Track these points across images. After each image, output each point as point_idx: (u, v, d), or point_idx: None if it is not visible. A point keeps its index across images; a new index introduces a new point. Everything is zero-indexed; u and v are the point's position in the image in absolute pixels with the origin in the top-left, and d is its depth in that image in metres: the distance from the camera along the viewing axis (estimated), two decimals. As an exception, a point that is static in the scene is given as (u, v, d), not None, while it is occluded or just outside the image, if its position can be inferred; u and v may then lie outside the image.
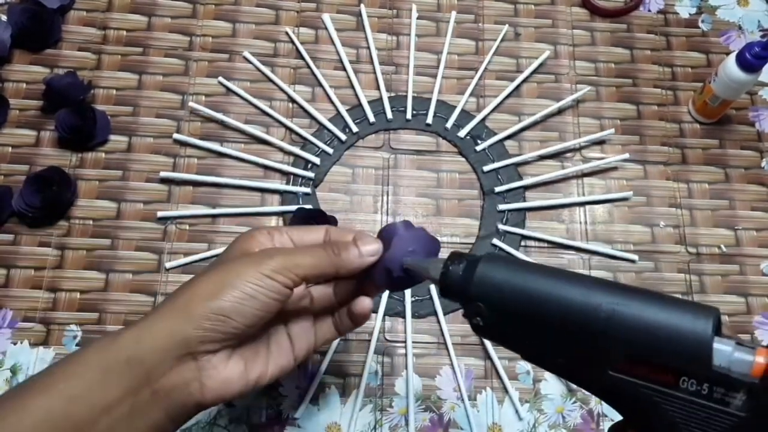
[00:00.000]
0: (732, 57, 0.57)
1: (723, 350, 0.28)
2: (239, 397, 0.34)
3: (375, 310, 0.54)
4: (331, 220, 0.55)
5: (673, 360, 0.28)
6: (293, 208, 0.56)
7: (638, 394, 0.29)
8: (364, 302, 0.39)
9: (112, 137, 0.59)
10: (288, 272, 0.35)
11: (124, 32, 0.63)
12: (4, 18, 0.61)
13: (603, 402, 0.49)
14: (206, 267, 0.38)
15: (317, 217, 0.54)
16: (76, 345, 0.52)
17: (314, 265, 0.36)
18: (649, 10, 0.69)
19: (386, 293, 0.55)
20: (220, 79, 0.62)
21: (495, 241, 0.58)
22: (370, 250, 0.38)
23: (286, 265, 0.35)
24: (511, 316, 0.33)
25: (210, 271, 0.36)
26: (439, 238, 0.57)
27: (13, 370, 0.51)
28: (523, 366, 0.54)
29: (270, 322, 0.37)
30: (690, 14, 0.69)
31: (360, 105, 0.62)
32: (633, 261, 0.58)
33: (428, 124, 0.62)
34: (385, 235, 0.38)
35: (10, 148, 0.58)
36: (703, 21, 0.69)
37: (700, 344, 0.28)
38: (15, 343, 0.52)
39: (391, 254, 0.37)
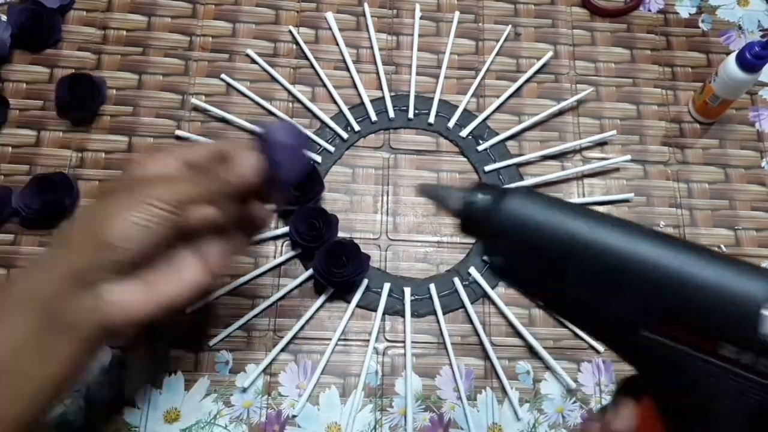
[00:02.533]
0: (732, 57, 0.57)
1: None
2: (151, 319, 0.36)
3: (374, 309, 0.55)
4: (332, 219, 0.55)
5: (714, 323, 0.25)
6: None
7: (671, 358, 0.26)
8: (261, 209, 0.41)
9: (113, 137, 0.59)
10: (170, 199, 0.35)
11: (124, 32, 0.63)
12: (4, 18, 0.61)
13: (602, 392, 0.49)
14: (92, 199, 0.38)
15: (318, 215, 0.54)
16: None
17: (197, 192, 0.37)
18: (649, 10, 0.69)
19: (385, 294, 0.55)
20: (223, 76, 0.62)
21: (495, 241, 0.58)
22: (249, 166, 0.38)
23: (167, 193, 0.35)
24: (538, 259, 0.29)
25: (94, 203, 0.37)
26: (438, 238, 0.58)
27: None
28: (523, 366, 0.54)
29: (175, 241, 0.38)
30: (690, 14, 0.69)
31: (362, 104, 0.62)
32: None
33: (430, 124, 0.62)
34: (265, 140, 0.39)
35: (10, 148, 0.58)
36: (703, 21, 0.69)
37: (748, 307, 0.25)
38: (15, 343, 0.52)
39: (273, 162, 0.39)
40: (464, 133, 0.61)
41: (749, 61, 0.55)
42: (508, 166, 0.60)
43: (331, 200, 0.58)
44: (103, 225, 0.34)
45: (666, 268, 0.26)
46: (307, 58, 0.63)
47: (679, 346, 0.26)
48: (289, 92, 0.62)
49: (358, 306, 0.55)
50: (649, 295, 0.26)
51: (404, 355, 0.54)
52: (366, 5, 0.66)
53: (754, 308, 0.24)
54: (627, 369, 0.29)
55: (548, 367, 0.54)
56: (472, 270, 0.57)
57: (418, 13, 0.66)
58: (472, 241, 0.58)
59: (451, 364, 0.53)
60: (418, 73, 0.64)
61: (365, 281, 0.55)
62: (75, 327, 0.34)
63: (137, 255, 0.35)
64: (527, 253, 0.29)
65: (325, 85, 0.62)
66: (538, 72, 0.65)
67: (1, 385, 0.33)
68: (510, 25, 0.66)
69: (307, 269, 0.55)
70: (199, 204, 0.37)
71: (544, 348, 0.54)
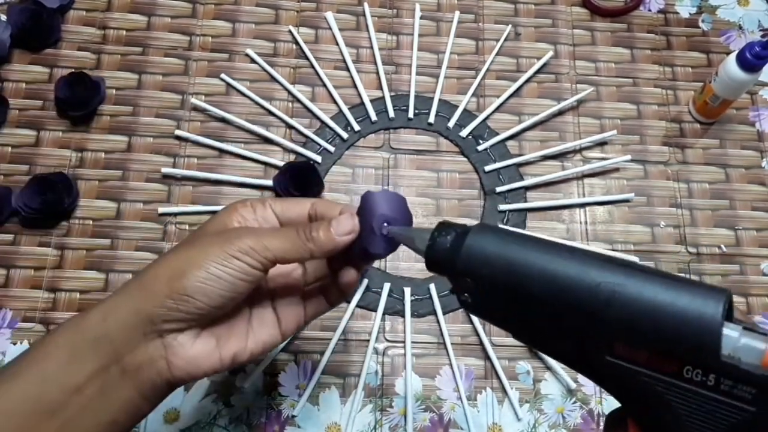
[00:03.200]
0: (732, 57, 0.57)
1: (729, 336, 0.25)
2: (213, 374, 0.36)
3: (374, 309, 0.54)
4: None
5: (677, 348, 0.25)
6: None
7: (639, 383, 0.27)
8: (349, 274, 0.38)
9: (112, 137, 0.59)
10: (256, 254, 0.34)
11: (124, 32, 0.63)
12: (4, 18, 0.61)
13: (603, 392, 0.49)
14: (181, 240, 0.38)
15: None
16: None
17: (284, 249, 0.35)
18: (650, 10, 0.69)
19: (385, 294, 0.55)
20: (223, 75, 0.62)
21: (495, 241, 0.57)
22: (344, 229, 0.36)
23: (254, 247, 0.34)
24: (501, 293, 0.30)
25: (180, 247, 0.36)
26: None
27: None
28: (523, 366, 0.54)
29: (254, 297, 0.37)
30: (690, 14, 0.69)
31: (362, 104, 0.62)
32: (633, 261, 0.58)
33: (430, 124, 0.62)
34: (364, 204, 0.36)
35: (10, 148, 0.58)
36: (703, 21, 0.68)
37: (707, 331, 0.25)
38: (15, 344, 0.52)
39: (366, 228, 0.36)
40: (464, 132, 0.61)
41: (749, 61, 0.55)
42: (508, 166, 0.60)
43: (332, 200, 0.58)
44: (183, 273, 0.33)
45: (622, 294, 0.26)
46: (307, 58, 0.63)
47: (644, 370, 0.26)
48: (289, 92, 0.62)
49: (358, 306, 0.55)
50: (609, 322, 0.27)
51: (404, 355, 0.54)
52: (366, 5, 0.66)
53: (714, 329, 0.25)
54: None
55: (548, 367, 0.54)
56: (472, 270, 0.56)
57: (418, 13, 0.66)
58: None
59: (451, 364, 0.53)
60: (418, 73, 0.63)
61: (365, 281, 0.55)
62: (138, 373, 0.34)
63: (212, 310, 0.34)
64: (491, 287, 0.30)
65: (325, 85, 0.62)
66: (538, 72, 0.65)
67: (56, 421, 0.32)
68: (510, 25, 0.66)
69: (307, 269, 0.55)
70: (286, 262, 0.36)
71: (544, 348, 0.54)
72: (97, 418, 0.33)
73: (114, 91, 0.61)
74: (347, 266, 0.38)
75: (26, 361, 0.34)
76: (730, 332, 0.25)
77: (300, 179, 0.56)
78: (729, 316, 0.26)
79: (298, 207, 0.39)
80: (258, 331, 0.38)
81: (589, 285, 0.27)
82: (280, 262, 0.35)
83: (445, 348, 0.54)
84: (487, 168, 0.60)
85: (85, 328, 0.34)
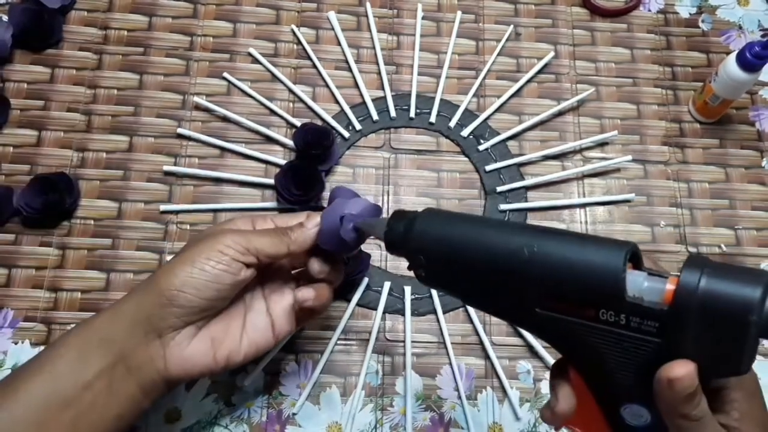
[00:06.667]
0: (732, 56, 0.57)
1: (635, 281, 0.29)
2: (208, 374, 0.40)
3: (375, 308, 0.55)
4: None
5: (589, 294, 0.30)
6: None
7: (565, 329, 0.31)
8: (322, 266, 0.42)
9: (113, 137, 0.59)
10: (240, 247, 0.38)
11: (125, 32, 0.63)
12: (5, 18, 0.61)
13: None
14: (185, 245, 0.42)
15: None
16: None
17: (264, 242, 0.39)
18: (650, 10, 0.69)
19: (386, 292, 0.55)
20: (225, 74, 0.62)
21: (495, 240, 0.58)
22: (313, 222, 0.41)
23: (238, 241, 0.38)
24: (447, 265, 0.35)
25: (180, 251, 0.40)
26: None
27: (14, 370, 0.51)
28: (524, 365, 0.54)
29: (249, 302, 0.42)
30: (690, 14, 0.69)
31: (363, 103, 0.62)
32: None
33: (431, 123, 0.62)
34: (333, 204, 0.41)
35: (11, 148, 0.58)
36: (703, 21, 0.69)
37: (612, 277, 0.29)
38: (16, 343, 0.52)
39: (328, 220, 0.40)
40: (465, 132, 0.61)
41: (749, 61, 0.55)
42: (509, 165, 0.60)
43: (332, 200, 0.58)
44: (174, 271, 0.37)
45: (539, 254, 0.31)
46: (309, 58, 0.63)
47: (567, 317, 0.31)
48: (291, 91, 0.62)
49: (358, 305, 0.55)
50: (533, 278, 0.31)
51: (404, 354, 0.54)
52: (368, 5, 0.66)
53: (618, 275, 0.29)
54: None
55: (548, 367, 0.54)
56: (473, 269, 0.56)
57: (420, 13, 0.66)
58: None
59: (451, 364, 0.53)
60: (419, 73, 0.64)
61: (366, 280, 0.55)
62: (140, 371, 0.37)
63: (203, 302, 0.38)
64: (438, 260, 0.35)
65: (327, 85, 0.62)
66: (538, 72, 0.65)
67: (69, 412, 0.36)
68: (512, 26, 0.66)
69: (307, 269, 0.55)
70: (269, 257, 0.40)
71: (544, 347, 0.54)
72: (105, 411, 0.37)
73: (115, 92, 0.61)
74: (324, 261, 0.42)
75: (41, 360, 0.37)
76: (635, 277, 0.29)
77: (301, 178, 0.56)
78: (638, 265, 0.30)
79: (296, 218, 0.43)
80: (252, 334, 0.41)
81: (513, 249, 0.32)
82: (262, 256, 0.39)
83: (446, 347, 0.54)
84: (488, 168, 0.60)
85: (94, 329, 0.38)
